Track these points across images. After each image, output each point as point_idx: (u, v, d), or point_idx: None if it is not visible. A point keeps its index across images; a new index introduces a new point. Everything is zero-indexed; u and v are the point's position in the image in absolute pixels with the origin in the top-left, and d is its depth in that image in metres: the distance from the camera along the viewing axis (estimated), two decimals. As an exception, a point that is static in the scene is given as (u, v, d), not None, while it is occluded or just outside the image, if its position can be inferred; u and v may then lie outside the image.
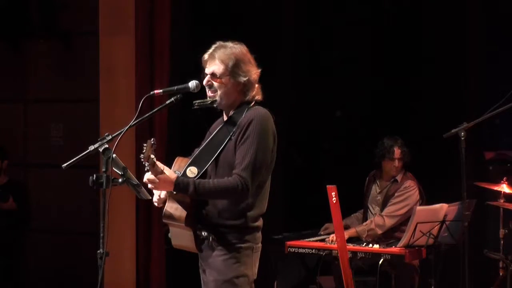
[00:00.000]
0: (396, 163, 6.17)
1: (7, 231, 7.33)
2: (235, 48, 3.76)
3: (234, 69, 3.71)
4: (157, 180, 3.56)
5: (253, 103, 3.77)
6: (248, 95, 3.75)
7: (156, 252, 6.95)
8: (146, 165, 3.48)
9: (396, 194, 6.14)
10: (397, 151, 6.17)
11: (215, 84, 3.74)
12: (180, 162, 3.80)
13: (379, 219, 6.06)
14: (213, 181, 3.66)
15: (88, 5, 7.20)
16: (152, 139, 3.46)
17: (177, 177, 3.61)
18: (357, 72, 7.41)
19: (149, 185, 3.62)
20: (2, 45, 7.61)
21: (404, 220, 5.97)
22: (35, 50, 7.57)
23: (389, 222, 6.06)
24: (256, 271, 3.79)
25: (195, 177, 3.70)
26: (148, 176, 3.57)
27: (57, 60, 7.51)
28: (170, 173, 3.62)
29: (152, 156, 3.46)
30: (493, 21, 6.88)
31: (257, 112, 3.70)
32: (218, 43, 3.80)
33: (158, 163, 3.57)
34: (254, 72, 3.76)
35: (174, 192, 3.64)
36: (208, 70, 3.77)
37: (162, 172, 3.58)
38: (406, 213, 5.98)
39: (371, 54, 7.40)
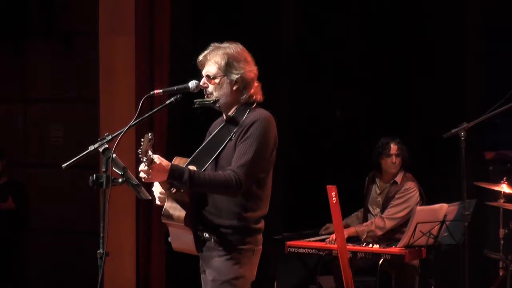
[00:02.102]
0: (394, 159, 6.16)
1: (7, 231, 7.33)
2: (229, 48, 3.75)
3: (227, 67, 3.71)
4: (151, 171, 3.50)
5: (254, 105, 3.77)
6: (245, 93, 3.74)
7: (156, 252, 6.95)
8: (143, 160, 3.45)
9: (396, 196, 6.12)
10: (393, 147, 6.16)
11: (210, 86, 3.75)
12: (178, 162, 3.79)
13: (380, 221, 6.06)
14: (209, 173, 3.66)
15: (88, 5, 7.20)
16: (149, 133, 3.43)
17: (172, 164, 3.58)
18: (357, 72, 7.41)
19: (142, 176, 3.55)
20: (2, 45, 7.61)
21: (404, 222, 5.96)
22: (35, 50, 7.57)
23: (389, 224, 6.05)
24: (255, 272, 3.79)
25: (194, 175, 3.69)
26: (141, 167, 3.52)
27: (57, 60, 7.51)
28: (164, 162, 3.56)
29: (150, 152, 3.45)
30: (493, 21, 6.88)
31: (260, 114, 3.70)
32: (212, 45, 3.80)
33: (153, 155, 3.49)
34: (250, 70, 3.74)
35: (169, 181, 3.59)
36: (203, 72, 3.78)
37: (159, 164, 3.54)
38: (407, 215, 5.96)
39: (371, 54, 7.40)
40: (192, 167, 3.70)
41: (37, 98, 7.64)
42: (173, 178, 3.57)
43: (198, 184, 3.60)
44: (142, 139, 3.41)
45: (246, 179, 3.59)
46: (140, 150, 3.42)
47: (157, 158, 3.50)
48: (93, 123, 7.00)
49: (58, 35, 7.40)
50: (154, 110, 3.84)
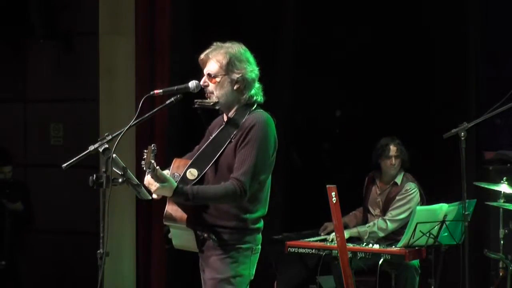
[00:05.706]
0: (393, 160, 6.16)
1: (12, 231, 7.33)
2: (231, 48, 3.76)
3: (228, 67, 3.71)
4: (158, 185, 3.56)
5: (255, 106, 3.77)
6: (246, 93, 3.74)
7: (156, 252, 6.95)
8: (147, 171, 3.49)
9: (397, 198, 6.12)
10: (393, 148, 6.17)
11: (211, 84, 3.75)
12: (178, 164, 3.80)
13: (382, 223, 6.05)
14: (211, 187, 3.68)
15: (88, 5, 7.21)
16: (152, 145, 3.47)
17: (177, 186, 3.61)
18: (357, 72, 7.40)
19: (150, 187, 3.62)
20: (2, 45, 7.61)
21: (406, 223, 5.95)
22: (35, 50, 7.57)
23: (391, 226, 6.05)
24: (254, 272, 3.80)
25: (195, 179, 3.71)
26: (148, 179, 3.57)
27: (57, 60, 7.51)
28: (170, 181, 3.61)
29: (153, 161, 3.47)
30: (492, 20, 6.88)
31: (259, 117, 3.70)
32: (215, 44, 3.80)
33: (160, 171, 3.56)
34: (251, 70, 3.74)
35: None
36: (205, 71, 3.78)
37: (164, 179, 3.58)
38: (408, 216, 5.95)
39: (371, 54, 7.39)
40: (193, 170, 3.72)
41: (37, 98, 7.64)
42: (177, 199, 3.63)
43: (202, 201, 3.65)
44: (145, 150, 3.44)
45: (250, 185, 3.62)
46: (143, 161, 3.45)
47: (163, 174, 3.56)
48: (93, 123, 7.01)
49: (58, 35, 7.39)
50: (154, 110, 3.84)
